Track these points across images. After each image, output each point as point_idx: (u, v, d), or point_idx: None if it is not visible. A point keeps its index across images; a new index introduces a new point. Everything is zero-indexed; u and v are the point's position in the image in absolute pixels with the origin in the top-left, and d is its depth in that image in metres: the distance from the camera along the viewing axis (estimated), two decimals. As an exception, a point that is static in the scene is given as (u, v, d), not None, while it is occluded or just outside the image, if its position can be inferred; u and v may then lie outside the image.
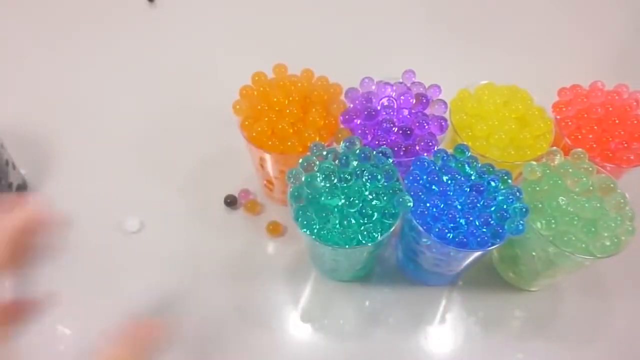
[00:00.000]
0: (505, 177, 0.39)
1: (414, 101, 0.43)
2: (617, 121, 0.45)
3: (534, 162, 0.42)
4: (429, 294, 0.47)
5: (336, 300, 0.46)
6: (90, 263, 0.47)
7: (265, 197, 0.53)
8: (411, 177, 0.39)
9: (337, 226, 0.36)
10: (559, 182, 0.40)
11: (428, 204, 0.38)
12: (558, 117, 0.47)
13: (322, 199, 0.37)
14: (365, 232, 0.36)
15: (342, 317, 0.46)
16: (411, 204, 0.36)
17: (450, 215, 0.37)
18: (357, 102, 0.43)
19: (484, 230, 0.37)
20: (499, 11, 0.77)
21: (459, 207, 0.38)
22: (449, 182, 0.39)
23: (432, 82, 0.46)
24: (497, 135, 0.45)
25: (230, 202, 0.51)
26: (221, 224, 0.51)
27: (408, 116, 0.43)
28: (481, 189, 0.38)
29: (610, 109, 0.46)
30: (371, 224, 0.36)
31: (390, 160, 0.38)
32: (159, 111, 0.60)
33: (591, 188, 0.40)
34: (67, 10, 0.71)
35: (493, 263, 0.49)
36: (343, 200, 0.36)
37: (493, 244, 0.37)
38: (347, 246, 0.36)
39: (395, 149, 0.41)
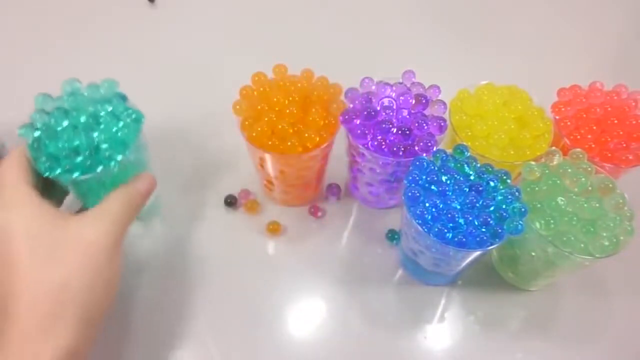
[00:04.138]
0: (504, 177, 0.39)
1: (414, 101, 0.43)
2: (616, 121, 0.46)
3: (533, 162, 0.42)
4: (428, 294, 0.47)
5: (336, 300, 0.47)
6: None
7: (265, 197, 0.53)
8: (410, 177, 0.39)
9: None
10: (558, 182, 0.40)
11: (427, 204, 0.38)
12: (557, 117, 0.47)
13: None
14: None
15: (341, 316, 0.46)
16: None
17: (449, 215, 0.37)
18: (356, 102, 0.43)
19: (483, 230, 0.37)
20: (498, 11, 0.77)
21: (458, 207, 0.38)
22: (448, 182, 0.39)
23: (432, 82, 0.46)
24: (496, 135, 0.45)
25: (230, 202, 0.51)
26: (221, 224, 0.51)
27: (407, 116, 0.43)
28: (480, 188, 0.38)
29: (609, 109, 0.46)
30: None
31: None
32: (159, 111, 0.59)
33: (590, 188, 0.40)
34: (67, 10, 0.71)
35: (492, 263, 0.49)
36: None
37: (492, 244, 0.37)
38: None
39: (395, 149, 0.41)
